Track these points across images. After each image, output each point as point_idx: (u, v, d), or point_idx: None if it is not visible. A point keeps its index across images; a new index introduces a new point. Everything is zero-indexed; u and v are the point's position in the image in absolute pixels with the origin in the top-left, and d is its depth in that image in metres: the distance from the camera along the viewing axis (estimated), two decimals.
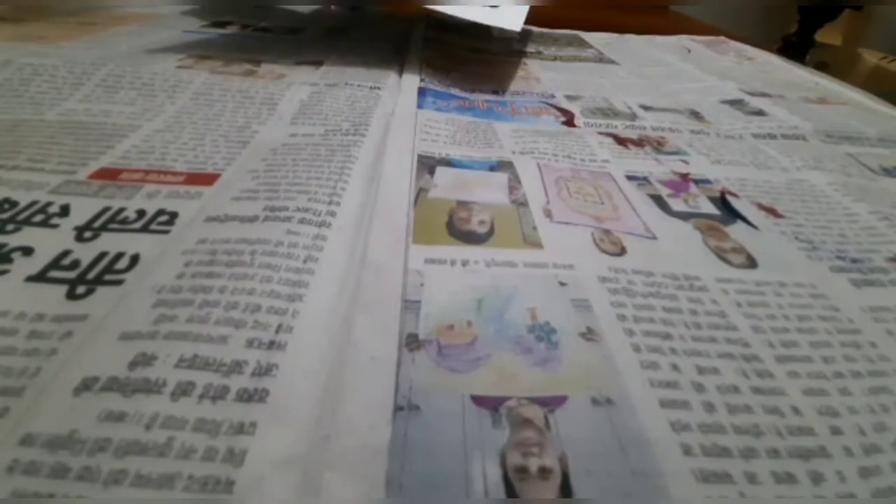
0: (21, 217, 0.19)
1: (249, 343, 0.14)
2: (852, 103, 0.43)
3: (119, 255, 0.17)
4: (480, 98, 0.37)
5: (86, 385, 0.13)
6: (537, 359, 0.15)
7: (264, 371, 0.14)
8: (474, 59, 0.48)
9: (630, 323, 0.17)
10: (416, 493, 0.11)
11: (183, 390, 0.13)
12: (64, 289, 0.16)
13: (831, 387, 0.15)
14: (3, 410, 0.12)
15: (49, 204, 0.20)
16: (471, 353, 0.15)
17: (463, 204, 0.23)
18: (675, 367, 0.15)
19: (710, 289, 0.19)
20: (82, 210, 0.20)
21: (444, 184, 0.24)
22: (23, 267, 0.17)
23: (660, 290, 0.18)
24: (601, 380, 0.15)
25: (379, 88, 0.35)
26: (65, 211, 0.19)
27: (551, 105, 0.37)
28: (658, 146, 0.31)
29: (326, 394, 0.13)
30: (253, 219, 0.19)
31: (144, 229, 0.19)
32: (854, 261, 0.21)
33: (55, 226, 0.19)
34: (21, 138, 0.24)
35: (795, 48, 1.41)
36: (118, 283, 0.16)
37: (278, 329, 0.15)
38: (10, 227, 0.18)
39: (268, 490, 0.11)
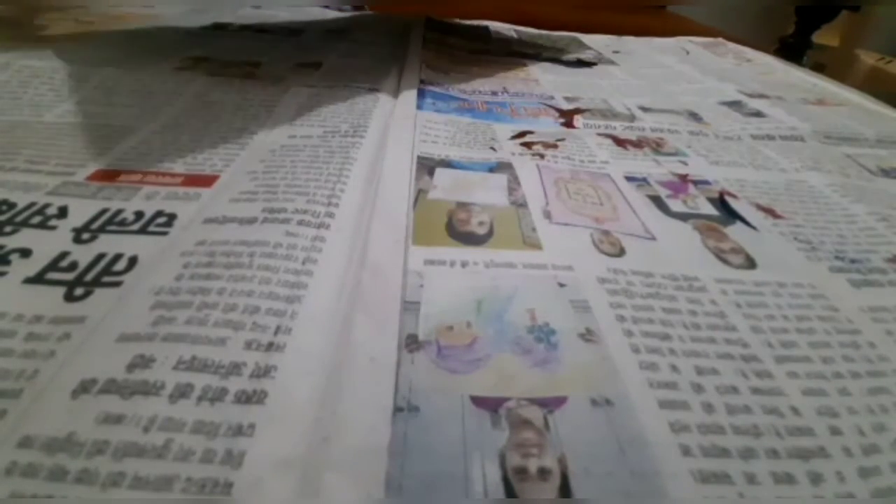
0: (19, 218, 0.19)
1: (248, 345, 0.14)
2: (850, 104, 0.43)
3: (117, 257, 0.17)
4: (480, 99, 0.37)
5: (84, 387, 0.13)
6: (537, 360, 0.15)
7: (263, 372, 0.14)
8: (474, 61, 0.48)
9: (629, 324, 0.17)
10: (416, 494, 0.11)
11: (181, 392, 0.13)
12: (62, 290, 0.16)
13: (830, 387, 0.15)
14: (1, 412, 0.12)
15: (47, 205, 0.20)
16: (470, 353, 0.15)
17: (462, 205, 0.23)
18: (674, 368, 0.15)
19: (710, 289, 0.19)
20: (80, 211, 0.19)
21: (444, 185, 0.24)
22: (21, 268, 0.16)
23: (659, 291, 0.18)
24: (600, 381, 0.15)
25: (378, 90, 0.35)
26: (63, 212, 0.19)
27: (550, 106, 0.37)
28: (657, 147, 0.31)
29: (325, 395, 0.13)
30: (251, 220, 0.19)
31: (143, 231, 0.19)
32: (853, 261, 0.21)
33: (53, 227, 0.19)
34: (19, 140, 0.24)
35: (792, 49, 1.41)
36: (116, 284, 0.16)
37: (277, 330, 0.15)
38: (7, 228, 0.18)
39: (267, 491, 0.11)
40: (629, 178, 0.27)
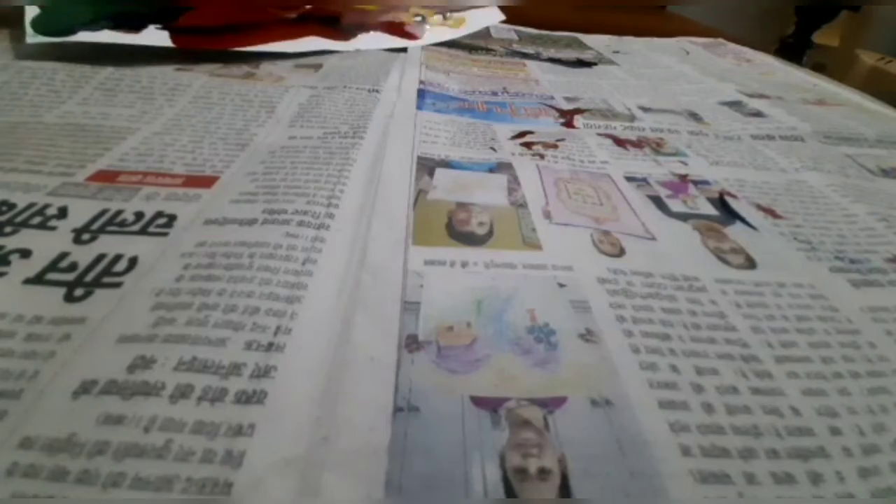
0: (19, 219, 0.19)
1: (248, 345, 0.14)
2: (850, 104, 0.43)
3: (117, 258, 0.17)
4: (480, 99, 0.37)
5: (84, 388, 0.13)
6: (536, 360, 0.15)
7: (263, 373, 0.14)
8: (474, 61, 0.48)
9: (629, 324, 0.17)
10: (416, 494, 0.11)
11: (182, 393, 0.13)
12: (62, 291, 0.16)
13: (830, 387, 0.15)
14: (1, 413, 0.12)
15: (47, 206, 0.20)
16: (470, 354, 0.15)
17: (462, 205, 0.23)
18: (673, 368, 0.15)
19: (709, 289, 0.19)
20: (80, 212, 0.20)
21: (444, 185, 0.24)
22: (21, 269, 0.17)
23: (659, 291, 0.18)
24: (600, 381, 0.15)
25: (378, 91, 0.35)
26: (63, 213, 0.19)
27: (550, 106, 0.37)
28: (657, 147, 0.31)
29: (325, 395, 0.13)
30: (252, 221, 0.19)
31: (143, 231, 0.19)
32: (853, 261, 0.21)
33: (53, 228, 0.19)
34: (19, 140, 0.24)
35: (793, 49, 1.41)
36: (116, 285, 0.16)
37: (277, 331, 0.15)
38: (7, 229, 0.18)
39: (267, 491, 0.11)
40: (629, 179, 0.27)
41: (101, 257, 0.17)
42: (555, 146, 0.30)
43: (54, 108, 0.28)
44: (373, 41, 0.45)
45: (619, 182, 0.26)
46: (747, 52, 0.61)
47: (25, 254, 0.17)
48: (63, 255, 0.17)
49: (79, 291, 0.16)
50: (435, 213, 0.22)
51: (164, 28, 0.38)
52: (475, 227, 0.21)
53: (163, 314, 0.15)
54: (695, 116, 0.38)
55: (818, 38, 1.50)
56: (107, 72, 0.33)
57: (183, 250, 0.18)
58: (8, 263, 0.17)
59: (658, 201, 0.25)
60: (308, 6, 0.44)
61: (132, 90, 0.31)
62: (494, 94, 0.39)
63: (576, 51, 0.56)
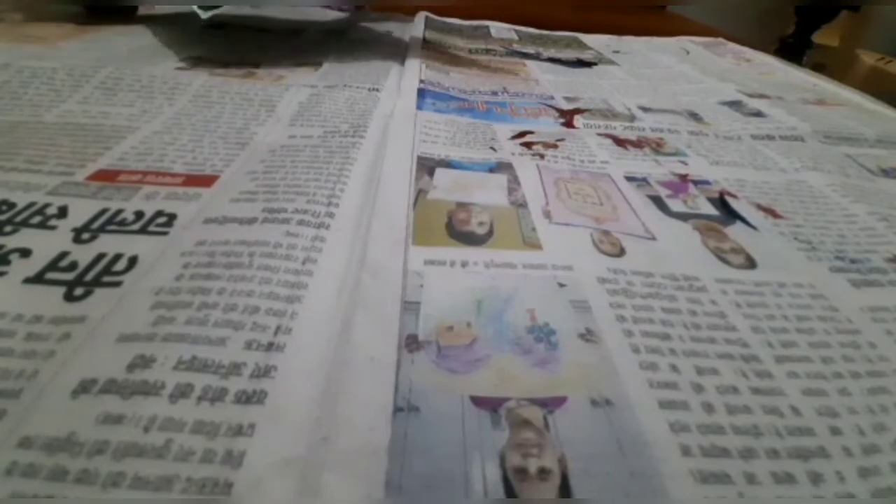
0: (19, 218, 0.19)
1: (248, 345, 0.14)
2: (850, 104, 0.43)
3: (117, 257, 0.17)
4: (480, 99, 0.37)
5: (84, 387, 0.13)
6: (536, 360, 0.15)
7: (263, 373, 0.14)
8: (474, 61, 0.48)
9: (629, 324, 0.17)
10: (416, 494, 0.11)
11: (181, 392, 0.13)
12: (62, 290, 0.16)
13: (830, 387, 0.15)
14: (1, 412, 0.12)
15: (47, 205, 0.20)
16: (470, 354, 0.15)
17: (462, 205, 0.23)
18: (674, 368, 0.15)
19: (710, 289, 0.19)
20: (80, 211, 0.19)
21: (444, 185, 0.24)
22: (21, 268, 0.16)
23: (659, 291, 0.18)
24: (600, 381, 0.15)
25: (378, 90, 0.35)
26: (63, 212, 0.19)
27: (550, 106, 0.37)
28: (657, 147, 0.31)
29: (325, 395, 0.13)
30: (252, 220, 0.19)
31: (143, 231, 0.19)
32: (853, 261, 0.21)
33: (53, 227, 0.19)
34: (19, 140, 0.24)
35: (793, 49, 1.41)
36: (116, 284, 0.16)
37: (277, 331, 0.15)
38: (7, 228, 0.18)
39: (267, 491, 0.11)
40: (629, 178, 0.27)
41: (100, 256, 0.17)
42: (555, 146, 0.30)
43: (54, 107, 0.28)
44: None
45: (619, 182, 0.26)
46: (747, 52, 0.61)
47: (25, 253, 0.17)
48: (63, 255, 0.17)
49: (78, 291, 0.16)
50: (435, 212, 0.22)
51: None
52: (475, 227, 0.21)
53: (162, 313, 0.15)
54: (695, 116, 0.38)
55: (818, 38, 1.50)
56: (107, 71, 0.33)
57: (183, 249, 0.18)
58: (8, 263, 0.17)
59: (658, 201, 0.25)
60: None
61: (132, 89, 0.31)
62: (494, 93, 0.39)
63: (576, 51, 0.56)
